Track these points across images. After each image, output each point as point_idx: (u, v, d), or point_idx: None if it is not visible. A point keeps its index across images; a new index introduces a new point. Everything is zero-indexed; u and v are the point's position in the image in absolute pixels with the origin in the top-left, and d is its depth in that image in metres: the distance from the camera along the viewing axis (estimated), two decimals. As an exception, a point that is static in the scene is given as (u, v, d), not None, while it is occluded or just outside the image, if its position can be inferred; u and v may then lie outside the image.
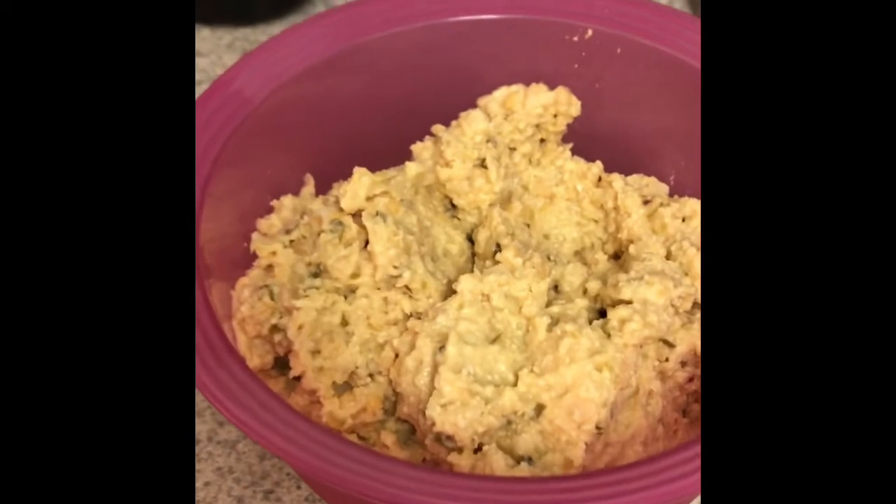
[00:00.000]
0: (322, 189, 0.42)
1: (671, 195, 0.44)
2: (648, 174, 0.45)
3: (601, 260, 0.41)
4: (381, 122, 0.44)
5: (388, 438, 0.35)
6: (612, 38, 0.42)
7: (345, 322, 0.36)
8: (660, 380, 0.35)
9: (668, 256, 0.39)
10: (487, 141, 0.41)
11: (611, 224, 0.42)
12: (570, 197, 0.44)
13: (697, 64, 0.41)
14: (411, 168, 0.40)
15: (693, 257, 0.38)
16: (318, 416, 0.35)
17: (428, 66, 0.44)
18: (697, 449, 0.28)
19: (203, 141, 0.36)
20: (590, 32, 0.42)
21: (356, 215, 0.37)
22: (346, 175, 0.41)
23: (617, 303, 0.36)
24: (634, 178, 0.44)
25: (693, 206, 0.41)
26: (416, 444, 0.35)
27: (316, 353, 0.35)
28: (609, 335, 0.34)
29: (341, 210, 0.37)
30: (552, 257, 0.40)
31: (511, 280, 0.35)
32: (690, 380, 0.37)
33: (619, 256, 0.42)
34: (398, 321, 0.36)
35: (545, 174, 0.44)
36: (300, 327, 0.35)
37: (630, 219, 0.41)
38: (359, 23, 0.41)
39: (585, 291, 0.38)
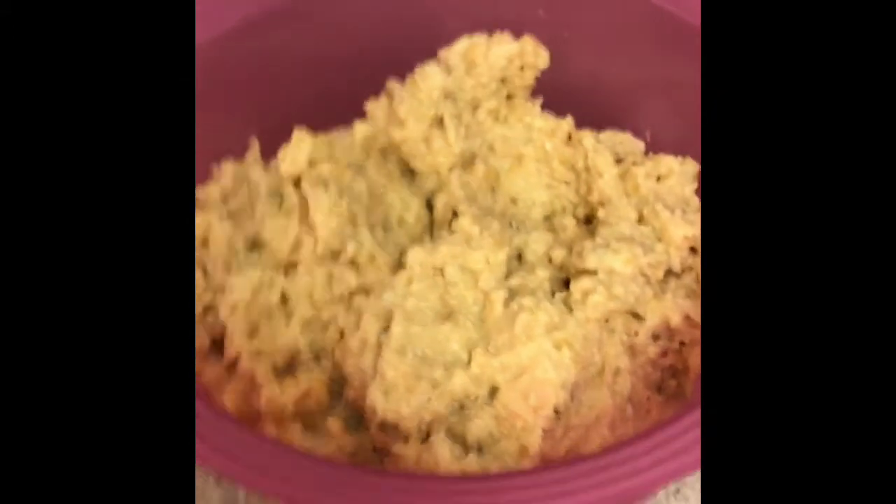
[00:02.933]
0: (269, 154, 0.39)
1: (647, 153, 0.41)
2: (623, 130, 0.41)
3: (569, 225, 0.38)
4: (333, 79, 0.41)
5: (334, 425, 0.32)
6: (579, -20, 0.38)
7: (285, 300, 0.33)
8: (629, 355, 0.32)
9: (641, 220, 0.36)
10: (445, 97, 0.38)
11: (582, 186, 0.39)
12: (539, 157, 0.40)
13: (673, 8, 0.38)
14: (360, 129, 0.36)
15: (667, 221, 0.34)
16: (257, 402, 0.32)
17: (382, 16, 0.40)
18: (660, 438, 0.25)
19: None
20: (555, -25, 0.38)
21: (297, 183, 0.34)
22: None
23: (581, 273, 0.33)
24: (607, 135, 0.40)
25: (669, 164, 0.37)
26: (365, 430, 0.32)
27: (253, 334, 0.32)
28: (571, 309, 0.31)
29: (281, 177, 0.34)
30: (515, 224, 0.37)
31: (466, 251, 0.32)
32: (664, 354, 0.34)
33: (590, 221, 0.39)
34: (344, 298, 0.33)
35: (512, 132, 0.41)
36: (234, 307, 0.32)
37: (601, 179, 0.38)
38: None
39: (550, 260, 0.35)
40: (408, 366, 0.29)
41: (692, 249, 0.35)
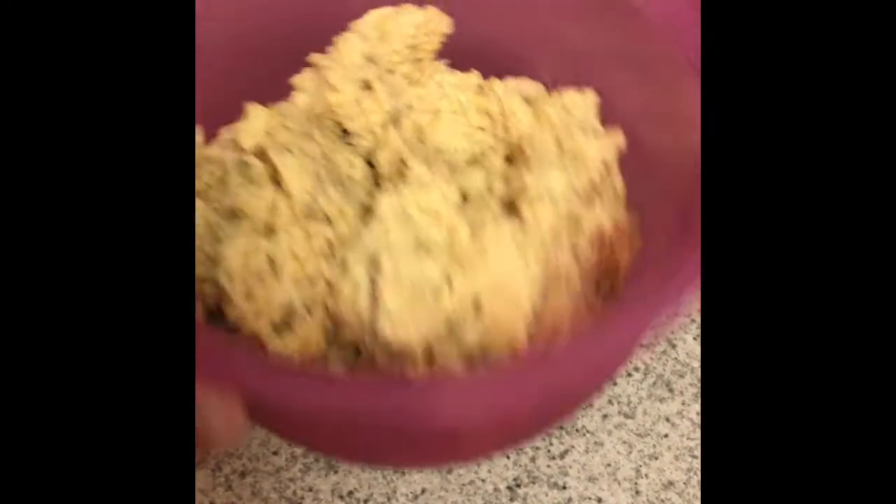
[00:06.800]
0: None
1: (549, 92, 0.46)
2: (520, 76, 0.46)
3: (498, 164, 0.42)
4: (246, 62, 0.43)
5: (337, 367, 0.35)
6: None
7: (271, 262, 0.36)
8: (575, 262, 0.38)
9: (560, 148, 0.41)
10: (368, 62, 0.41)
11: (499, 129, 0.44)
12: (455, 109, 0.44)
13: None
14: (301, 98, 0.39)
15: (583, 144, 0.40)
16: (261, 358, 0.35)
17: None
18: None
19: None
20: (451, -59, 0.42)
21: (258, 153, 0.36)
22: (230, 120, 0.40)
23: (524, 194, 0.37)
24: (510, 82, 0.45)
25: (572, 97, 0.43)
26: (364, 365, 0.36)
27: (249, 296, 0.35)
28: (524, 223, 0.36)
29: (242, 150, 0.36)
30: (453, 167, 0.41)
31: (426, 193, 0.36)
32: (601, 258, 0.39)
33: (511, 160, 0.44)
34: (324, 251, 0.36)
35: (426, 92, 0.44)
36: (230, 275, 0.34)
37: (516, 118, 0.42)
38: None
39: (491, 191, 0.40)
40: (406, 294, 0.33)
41: (606, 168, 0.41)
